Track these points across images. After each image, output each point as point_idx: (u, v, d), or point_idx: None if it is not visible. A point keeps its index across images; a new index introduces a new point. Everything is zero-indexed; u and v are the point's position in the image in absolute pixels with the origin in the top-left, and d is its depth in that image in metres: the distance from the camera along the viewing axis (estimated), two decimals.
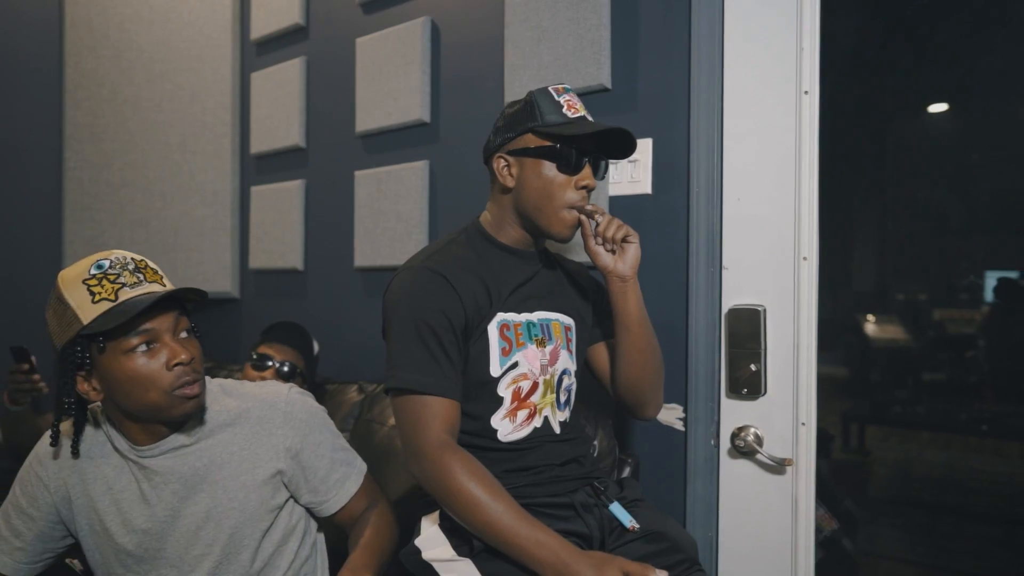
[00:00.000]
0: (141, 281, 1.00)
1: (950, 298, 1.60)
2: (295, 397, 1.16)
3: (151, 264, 1.04)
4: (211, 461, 1.08)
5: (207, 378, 1.12)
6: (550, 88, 1.13)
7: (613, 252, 1.13)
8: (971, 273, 1.54)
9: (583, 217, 1.12)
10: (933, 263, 1.61)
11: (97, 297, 0.97)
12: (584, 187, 1.10)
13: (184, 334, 1.03)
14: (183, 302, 1.05)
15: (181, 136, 2.42)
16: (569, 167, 1.09)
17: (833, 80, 1.36)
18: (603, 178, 1.17)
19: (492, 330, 1.09)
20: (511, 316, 1.11)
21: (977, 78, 1.46)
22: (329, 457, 1.15)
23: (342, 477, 1.17)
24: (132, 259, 1.02)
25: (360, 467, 1.21)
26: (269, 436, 1.11)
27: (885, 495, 1.79)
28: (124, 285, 0.98)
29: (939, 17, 1.49)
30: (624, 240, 1.12)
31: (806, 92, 1.32)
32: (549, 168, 1.09)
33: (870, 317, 1.69)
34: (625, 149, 1.13)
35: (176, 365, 0.99)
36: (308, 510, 1.20)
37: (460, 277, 1.06)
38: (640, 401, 1.21)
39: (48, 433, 1.11)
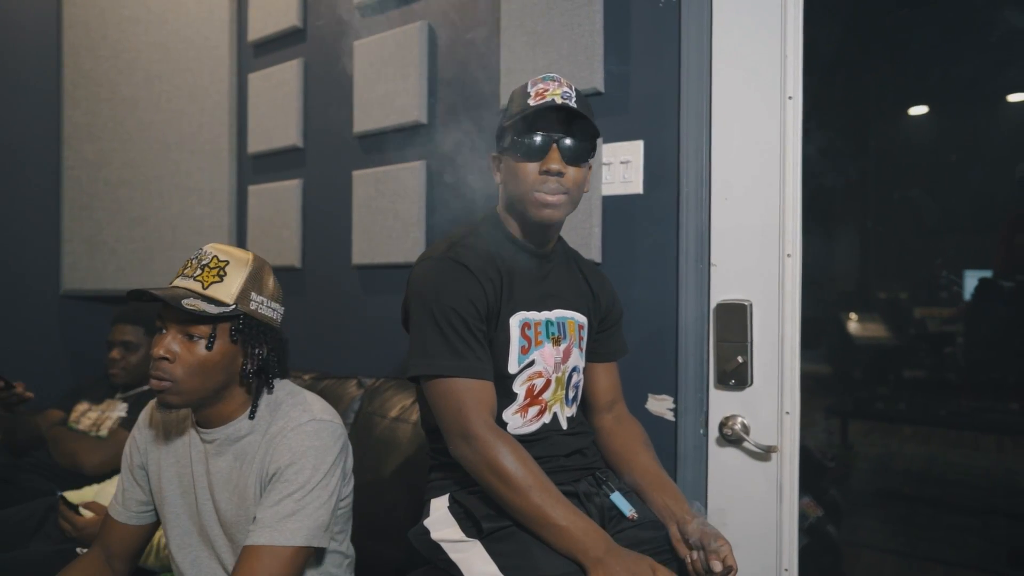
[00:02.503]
0: (190, 277, 1.07)
1: (930, 296, 1.63)
2: (305, 429, 1.10)
3: (225, 268, 1.08)
4: (235, 466, 1.12)
5: (285, 381, 1.20)
6: (531, 80, 1.14)
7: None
8: (950, 272, 1.58)
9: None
10: (914, 262, 1.65)
11: (175, 275, 1.10)
12: (547, 171, 1.07)
13: (190, 337, 1.06)
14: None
15: (179, 135, 2.44)
16: (527, 154, 1.09)
17: (816, 85, 1.41)
18: (580, 163, 1.11)
19: (514, 327, 1.11)
20: (532, 315, 1.14)
21: (954, 82, 1.52)
22: (272, 499, 1.06)
23: (257, 524, 1.04)
24: (214, 256, 1.10)
25: (274, 538, 1.02)
26: (266, 455, 1.10)
27: (867, 487, 1.83)
28: (182, 274, 1.09)
29: (916, 25, 1.55)
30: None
31: (790, 97, 1.37)
32: (517, 158, 1.10)
33: (852, 315, 1.73)
34: (584, 129, 1.09)
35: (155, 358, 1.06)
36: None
37: (480, 267, 1.09)
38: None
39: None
